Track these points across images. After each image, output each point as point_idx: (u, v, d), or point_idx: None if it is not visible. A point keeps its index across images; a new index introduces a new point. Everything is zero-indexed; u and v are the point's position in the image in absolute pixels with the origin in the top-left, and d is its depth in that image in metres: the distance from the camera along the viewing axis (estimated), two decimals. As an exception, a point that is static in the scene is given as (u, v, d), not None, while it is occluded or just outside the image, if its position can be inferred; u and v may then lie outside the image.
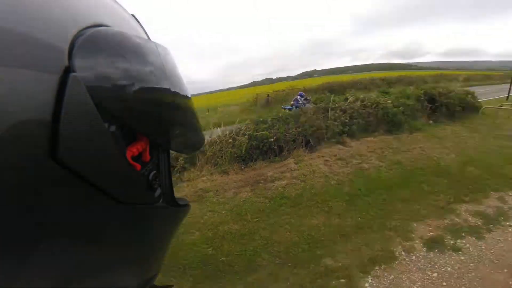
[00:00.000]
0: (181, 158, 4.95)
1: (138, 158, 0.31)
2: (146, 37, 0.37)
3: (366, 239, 2.85)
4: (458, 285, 2.27)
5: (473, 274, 2.36)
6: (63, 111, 0.19)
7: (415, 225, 3.04)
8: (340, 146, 5.47)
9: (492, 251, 2.60)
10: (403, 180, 4.03)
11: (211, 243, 3.10)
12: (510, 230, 2.89)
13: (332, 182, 4.14)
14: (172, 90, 0.33)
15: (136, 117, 0.27)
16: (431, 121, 7.03)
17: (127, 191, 0.27)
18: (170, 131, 0.34)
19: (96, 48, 0.23)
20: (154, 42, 0.33)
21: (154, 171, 0.33)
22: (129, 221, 0.29)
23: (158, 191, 0.34)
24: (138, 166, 0.30)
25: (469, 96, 8.27)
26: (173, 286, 0.65)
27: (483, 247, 2.68)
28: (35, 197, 0.18)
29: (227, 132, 5.84)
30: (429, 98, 7.48)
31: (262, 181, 4.40)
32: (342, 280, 2.35)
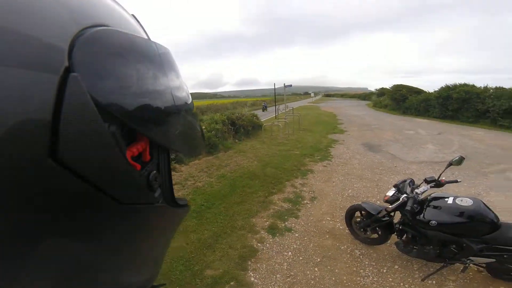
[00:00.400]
0: None
1: (138, 158, 0.31)
2: (146, 37, 0.37)
3: (228, 243, 3.14)
4: (310, 256, 2.85)
5: (311, 245, 3.04)
6: (63, 111, 0.19)
7: (254, 220, 3.64)
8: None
9: (309, 224, 3.47)
10: (231, 188, 4.78)
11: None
12: (308, 205, 4.05)
13: (176, 207, 4.27)
14: (172, 90, 0.33)
15: (136, 117, 0.27)
16: (236, 140, 8.94)
17: (127, 191, 0.27)
18: (170, 131, 0.34)
19: (96, 48, 0.24)
20: (154, 42, 0.34)
21: (154, 171, 0.33)
22: (129, 221, 0.29)
23: (158, 191, 0.34)
24: (138, 166, 0.30)
25: (255, 117, 11.20)
26: (165, 284, 0.63)
27: (302, 223, 3.54)
28: (35, 197, 0.18)
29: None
30: (231, 122, 9.44)
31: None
32: (232, 283, 2.51)
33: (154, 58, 0.32)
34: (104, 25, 0.26)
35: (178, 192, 4.72)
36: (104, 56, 0.24)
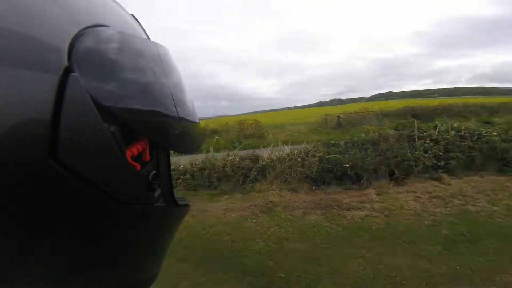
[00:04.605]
0: (253, 170, 5.49)
1: (138, 158, 0.32)
2: (146, 37, 0.38)
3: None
4: None
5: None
6: (63, 111, 0.19)
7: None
8: (435, 183, 4.90)
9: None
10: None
11: (273, 256, 3.15)
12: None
13: (425, 222, 3.68)
14: (172, 89, 0.34)
15: (136, 117, 0.28)
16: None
17: (127, 191, 0.28)
18: (170, 131, 0.35)
19: (95, 48, 0.24)
20: (154, 42, 0.35)
21: (154, 171, 0.34)
22: (129, 221, 0.30)
23: (158, 191, 0.35)
24: (138, 166, 0.31)
25: None
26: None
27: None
28: (35, 197, 0.19)
29: (295, 151, 5.99)
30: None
31: (335, 207, 4.28)
32: None
33: (154, 58, 0.33)
34: (104, 25, 0.27)
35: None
36: (103, 56, 0.25)
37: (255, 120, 14.87)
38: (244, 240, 3.59)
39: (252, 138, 11.44)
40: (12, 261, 0.20)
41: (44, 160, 0.19)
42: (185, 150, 0.42)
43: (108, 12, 0.31)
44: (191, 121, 0.39)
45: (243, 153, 6.36)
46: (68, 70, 0.21)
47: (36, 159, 0.18)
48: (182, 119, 0.35)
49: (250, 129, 13.70)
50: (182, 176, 5.70)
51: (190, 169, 5.76)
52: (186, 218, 2.03)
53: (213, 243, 3.56)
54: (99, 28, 0.26)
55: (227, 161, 5.86)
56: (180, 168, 5.95)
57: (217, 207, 4.68)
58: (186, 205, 0.43)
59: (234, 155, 6.12)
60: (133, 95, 0.28)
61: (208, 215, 4.36)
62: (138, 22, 0.40)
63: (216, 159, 6.00)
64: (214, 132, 15.00)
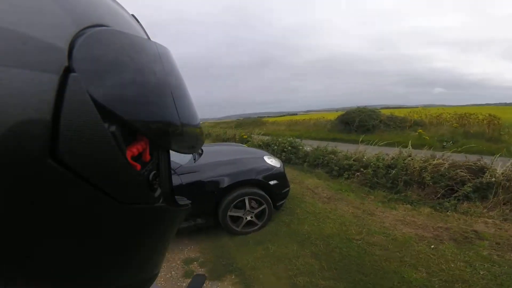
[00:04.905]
0: (467, 185, 3.83)
1: (138, 158, 0.31)
2: (146, 37, 0.37)
3: None
4: None
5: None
6: (63, 111, 0.20)
7: None
8: None
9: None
10: None
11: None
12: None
13: None
14: (172, 89, 0.34)
15: (136, 117, 0.28)
16: None
17: (127, 191, 0.28)
18: (170, 131, 0.34)
19: (96, 48, 0.24)
20: (154, 42, 0.35)
21: (154, 171, 0.34)
22: (129, 221, 0.29)
23: (158, 191, 0.35)
24: (138, 166, 0.30)
25: None
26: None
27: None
28: (35, 197, 0.19)
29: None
30: None
31: None
32: None
33: (154, 58, 0.33)
34: (104, 25, 0.27)
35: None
36: (104, 56, 0.25)
37: (489, 115, 10.33)
38: (401, 263, 2.62)
39: (478, 139, 8.07)
40: (12, 261, 0.20)
41: (44, 160, 0.19)
42: (185, 150, 0.39)
43: (108, 12, 0.31)
44: (192, 121, 0.39)
45: (458, 157, 4.46)
46: (68, 70, 0.21)
47: (36, 159, 0.19)
48: (182, 119, 0.35)
49: (478, 127, 9.69)
50: (361, 169, 4.88)
51: (374, 163, 4.78)
52: (345, 215, 3.72)
53: (360, 252, 2.78)
54: (99, 28, 0.25)
55: (430, 164, 4.32)
56: (363, 159, 5.13)
57: (389, 214, 3.60)
58: (186, 205, 0.43)
59: (443, 159, 4.42)
60: (133, 95, 0.27)
61: (373, 219, 3.42)
62: (138, 22, 0.39)
63: (412, 158, 4.61)
64: (417, 124, 12.17)
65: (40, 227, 0.20)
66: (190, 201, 0.46)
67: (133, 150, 0.30)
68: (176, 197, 0.41)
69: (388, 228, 3.20)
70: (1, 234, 0.19)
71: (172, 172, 1.91)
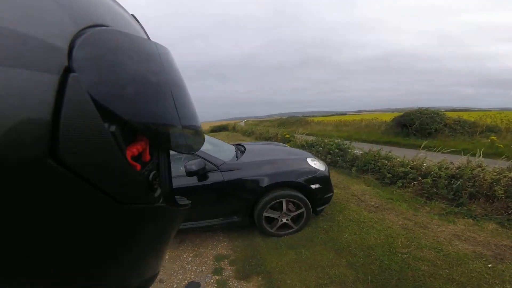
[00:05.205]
0: None
1: (138, 158, 0.32)
2: (146, 37, 0.38)
3: None
4: None
5: None
6: (63, 111, 0.20)
7: None
8: None
9: None
10: None
11: None
12: None
13: None
14: (172, 89, 0.34)
15: (136, 117, 0.28)
16: None
17: (127, 191, 0.28)
18: (170, 131, 0.35)
19: (95, 48, 0.24)
20: (154, 42, 0.35)
21: (154, 171, 0.34)
22: (129, 221, 0.30)
23: (158, 191, 0.35)
24: (138, 166, 0.31)
25: None
26: None
27: None
28: (35, 197, 0.19)
29: None
30: None
31: None
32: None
33: (154, 58, 0.33)
34: (104, 25, 0.27)
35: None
36: (103, 56, 0.25)
37: None
38: (448, 281, 2.31)
39: None
40: (12, 261, 0.20)
41: (44, 160, 0.19)
42: (185, 150, 0.40)
43: (108, 12, 0.31)
44: (192, 121, 0.39)
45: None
46: (68, 70, 0.21)
47: (36, 159, 0.19)
48: (182, 119, 0.35)
49: None
50: (419, 178, 4.39)
51: (435, 172, 4.25)
52: (394, 226, 3.15)
53: (403, 266, 2.49)
54: (99, 28, 0.26)
55: (505, 176, 3.68)
56: (423, 167, 4.60)
57: (445, 228, 3.16)
58: (186, 205, 0.43)
59: (522, 171, 3.70)
60: (133, 95, 0.28)
61: (425, 233, 3.04)
62: (138, 22, 0.40)
63: (483, 169, 3.97)
64: (490, 129, 10.38)
65: (40, 227, 0.20)
66: (190, 201, 0.46)
67: (133, 150, 0.30)
68: (176, 197, 0.41)
69: (441, 243, 2.81)
70: (1, 234, 0.18)
71: (215, 168, 2.19)
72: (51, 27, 0.21)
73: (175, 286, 2.53)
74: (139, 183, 0.30)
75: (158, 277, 2.63)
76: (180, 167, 2.95)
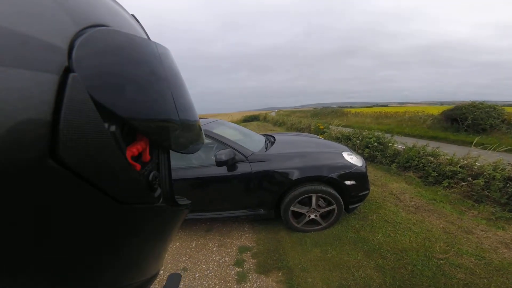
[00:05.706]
0: None
1: (138, 158, 0.32)
2: (146, 37, 0.38)
3: None
4: None
5: None
6: (63, 111, 0.20)
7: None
8: None
9: None
10: None
11: None
12: None
13: None
14: (172, 89, 0.35)
15: (136, 117, 0.28)
16: None
17: (127, 191, 0.28)
18: (170, 131, 0.35)
19: (95, 48, 0.24)
20: (154, 42, 0.35)
21: (154, 171, 0.34)
22: (129, 221, 0.30)
23: (158, 191, 0.35)
24: (138, 166, 0.31)
25: None
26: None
27: None
28: (35, 197, 0.19)
29: None
30: None
31: None
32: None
33: (154, 58, 0.33)
34: (104, 25, 0.27)
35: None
36: (104, 56, 0.25)
37: None
38: None
39: None
40: (12, 261, 0.20)
41: (44, 160, 0.19)
42: (184, 150, 0.41)
43: (108, 12, 0.31)
44: (192, 121, 0.40)
45: None
46: (68, 70, 0.21)
47: (36, 159, 0.19)
48: (182, 119, 0.36)
49: None
50: (469, 179, 3.98)
51: (488, 173, 3.82)
52: (433, 229, 2.92)
53: (437, 272, 2.31)
54: (99, 28, 0.26)
55: None
56: (474, 167, 4.16)
57: (492, 235, 2.83)
58: (186, 205, 0.44)
59: None
60: (133, 95, 0.28)
61: (468, 238, 2.76)
62: (138, 22, 0.40)
63: (548, 170, 3.48)
64: None
65: (40, 227, 0.20)
66: (190, 201, 0.46)
67: (133, 150, 0.30)
68: (176, 196, 0.41)
69: (485, 250, 2.54)
70: (1, 234, 0.18)
71: (244, 159, 2.18)
72: (51, 27, 0.21)
73: (197, 275, 2.58)
74: (139, 183, 0.30)
75: (183, 265, 2.73)
76: (211, 157, 2.96)
